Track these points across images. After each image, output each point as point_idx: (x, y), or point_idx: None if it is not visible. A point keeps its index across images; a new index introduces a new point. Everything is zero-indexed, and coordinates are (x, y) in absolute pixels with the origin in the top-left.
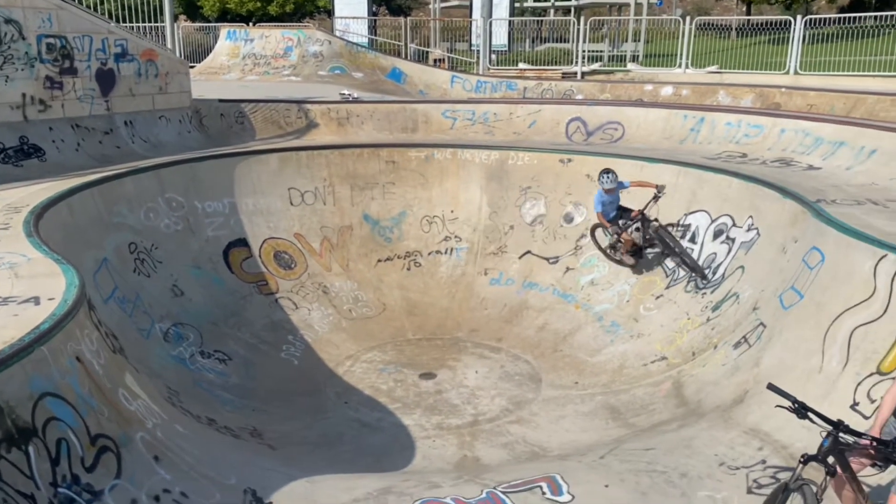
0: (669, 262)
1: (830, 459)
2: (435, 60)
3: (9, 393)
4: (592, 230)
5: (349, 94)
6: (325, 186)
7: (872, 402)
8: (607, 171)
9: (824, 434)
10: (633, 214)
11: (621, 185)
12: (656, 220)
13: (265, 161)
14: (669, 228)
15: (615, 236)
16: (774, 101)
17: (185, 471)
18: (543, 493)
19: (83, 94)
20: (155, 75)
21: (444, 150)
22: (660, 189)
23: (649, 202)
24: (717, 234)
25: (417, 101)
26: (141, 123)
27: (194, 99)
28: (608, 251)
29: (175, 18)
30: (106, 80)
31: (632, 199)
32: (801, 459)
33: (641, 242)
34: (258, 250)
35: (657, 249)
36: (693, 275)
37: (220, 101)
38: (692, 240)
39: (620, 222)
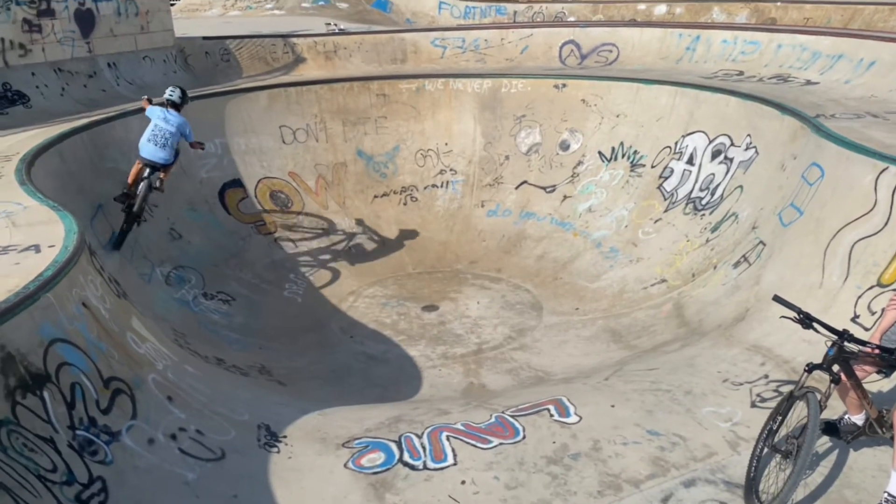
0: (668, 186)
1: (835, 368)
2: None
3: (19, 340)
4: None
5: (335, 26)
6: (317, 123)
7: (873, 314)
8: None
9: (829, 343)
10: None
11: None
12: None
13: (254, 99)
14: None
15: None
16: (770, 16)
17: (199, 409)
18: (551, 416)
19: (63, 37)
20: (135, 14)
21: (436, 81)
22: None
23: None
24: (715, 155)
25: (405, 31)
26: (125, 65)
27: (177, 37)
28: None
29: None
30: (85, 20)
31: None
32: (806, 368)
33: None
34: (254, 190)
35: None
36: None
37: (205, 38)
38: (690, 161)
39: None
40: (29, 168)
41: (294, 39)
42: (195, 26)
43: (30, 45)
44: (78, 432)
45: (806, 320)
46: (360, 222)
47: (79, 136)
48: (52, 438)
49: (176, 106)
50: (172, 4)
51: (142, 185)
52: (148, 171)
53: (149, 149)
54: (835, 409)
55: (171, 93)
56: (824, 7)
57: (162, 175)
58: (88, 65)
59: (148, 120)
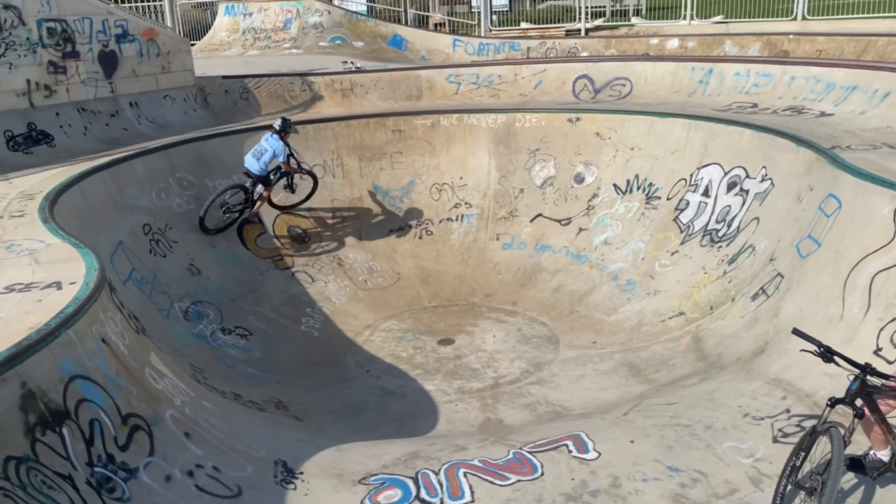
0: (683, 218)
1: (858, 402)
2: (436, 25)
3: (39, 377)
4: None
5: (351, 64)
6: (334, 159)
7: None
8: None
9: (851, 377)
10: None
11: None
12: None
13: None
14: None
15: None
16: (783, 49)
17: (216, 445)
18: (570, 452)
19: (87, 78)
20: (157, 55)
21: (450, 116)
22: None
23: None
24: (730, 187)
25: (420, 68)
26: (146, 104)
27: (197, 77)
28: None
29: None
30: (108, 62)
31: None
32: (829, 403)
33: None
34: (271, 226)
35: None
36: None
37: (224, 77)
38: (705, 193)
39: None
40: (52, 206)
41: (312, 78)
42: (215, 65)
43: (55, 86)
44: (96, 469)
45: (826, 354)
46: (376, 256)
47: (100, 174)
48: (70, 475)
49: (278, 133)
50: (193, 45)
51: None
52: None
53: (247, 159)
54: (859, 444)
55: (274, 122)
56: (837, 39)
57: (264, 195)
58: (111, 104)
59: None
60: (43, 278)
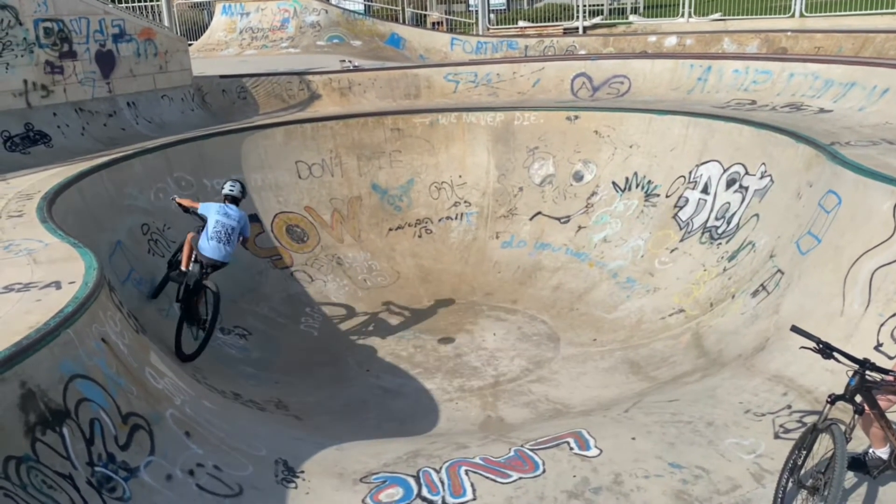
0: (683, 215)
1: (858, 398)
2: (433, 24)
3: (39, 377)
4: None
5: (349, 63)
6: (332, 158)
7: None
8: None
9: (850, 373)
10: None
11: None
12: None
13: (271, 135)
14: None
15: None
16: (781, 46)
17: (216, 445)
18: (571, 449)
19: (84, 78)
20: (154, 54)
21: (449, 115)
22: None
23: None
24: (729, 184)
25: (418, 66)
26: (144, 104)
27: (195, 76)
28: None
29: None
30: (106, 61)
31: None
32: (829, 399)
33: None
34: (270, 225)
35: None
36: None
37: (221, 77)
38: (705, 191)
39: None
40: (50, 206)
41: (309, 77)
42: (212, 65)
43: (52, 86)
44: (96, 469)
45: (826, 350)
46: (375, 255)
47: (98, 174)
48: (70, 475)
49: (236, 200)
50: (190, 44)
51: (206, 295)
52: (209, 270)
53: (212, 247)
54: (861, 440)
55: (231, 188)
56: (835, 36)
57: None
58: (108, 104)
59: (196, 219)
60: (42, 278)
